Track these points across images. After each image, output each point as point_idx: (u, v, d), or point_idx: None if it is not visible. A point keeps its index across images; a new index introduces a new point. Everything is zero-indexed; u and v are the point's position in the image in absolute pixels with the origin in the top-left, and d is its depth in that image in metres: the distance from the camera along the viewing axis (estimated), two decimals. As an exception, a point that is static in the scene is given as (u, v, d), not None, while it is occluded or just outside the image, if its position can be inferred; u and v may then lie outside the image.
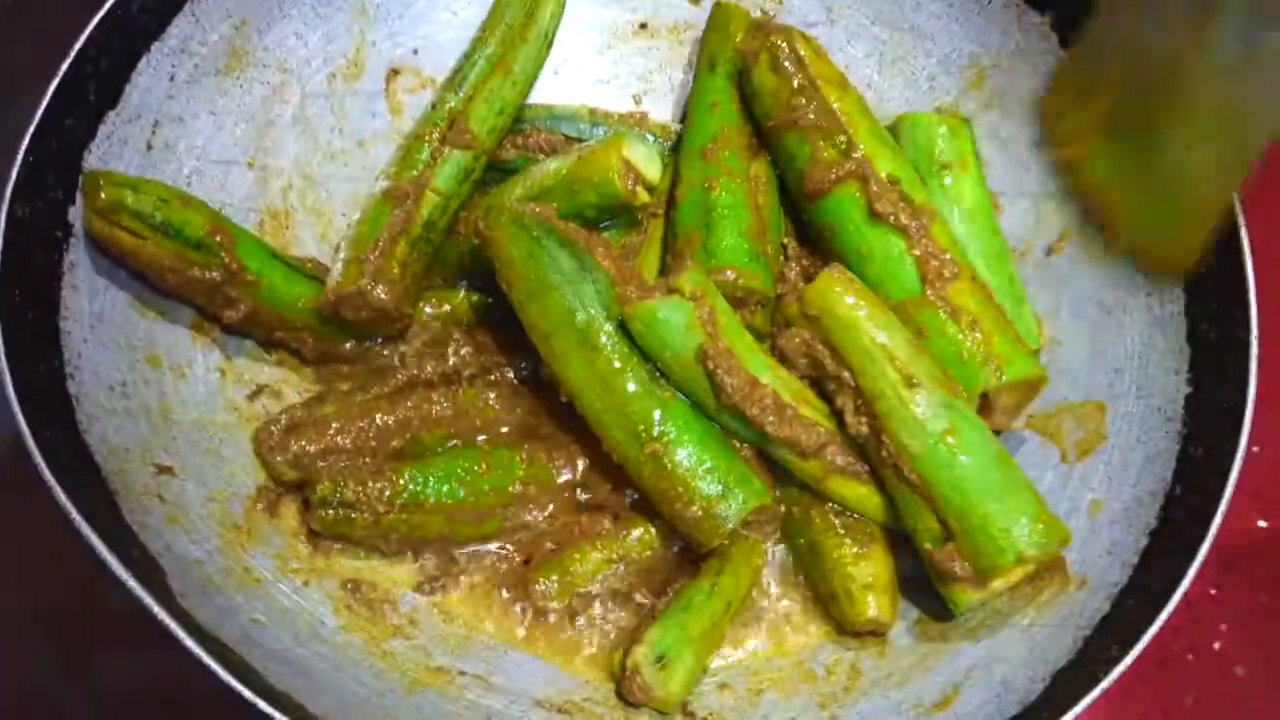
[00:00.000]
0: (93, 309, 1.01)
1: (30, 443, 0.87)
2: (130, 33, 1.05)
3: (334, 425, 1.04)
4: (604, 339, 1.01)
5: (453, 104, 1.15)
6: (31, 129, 0.98)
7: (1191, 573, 0.91)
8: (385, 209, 1.11)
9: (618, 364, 1.01)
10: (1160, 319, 1.06)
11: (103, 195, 0.98)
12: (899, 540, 1.06)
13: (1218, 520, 0.92)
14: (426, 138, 1.14)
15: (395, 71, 1.25)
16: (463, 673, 1.01)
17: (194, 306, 1.06)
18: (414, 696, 0.98)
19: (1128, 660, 0.88)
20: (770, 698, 1.03)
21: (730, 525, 1.00)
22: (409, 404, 1.06)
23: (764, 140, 1.15)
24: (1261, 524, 1.24)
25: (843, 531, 1.04)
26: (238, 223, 1.14)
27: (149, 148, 1.08)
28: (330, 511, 0.99)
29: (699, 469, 1.00)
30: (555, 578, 1.04)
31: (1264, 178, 0.98)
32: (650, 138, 1.22)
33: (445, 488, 1.03)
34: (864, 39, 1.25)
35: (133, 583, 0.84)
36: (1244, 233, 1.01)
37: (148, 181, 1.02)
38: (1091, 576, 0.99)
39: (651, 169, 1.08)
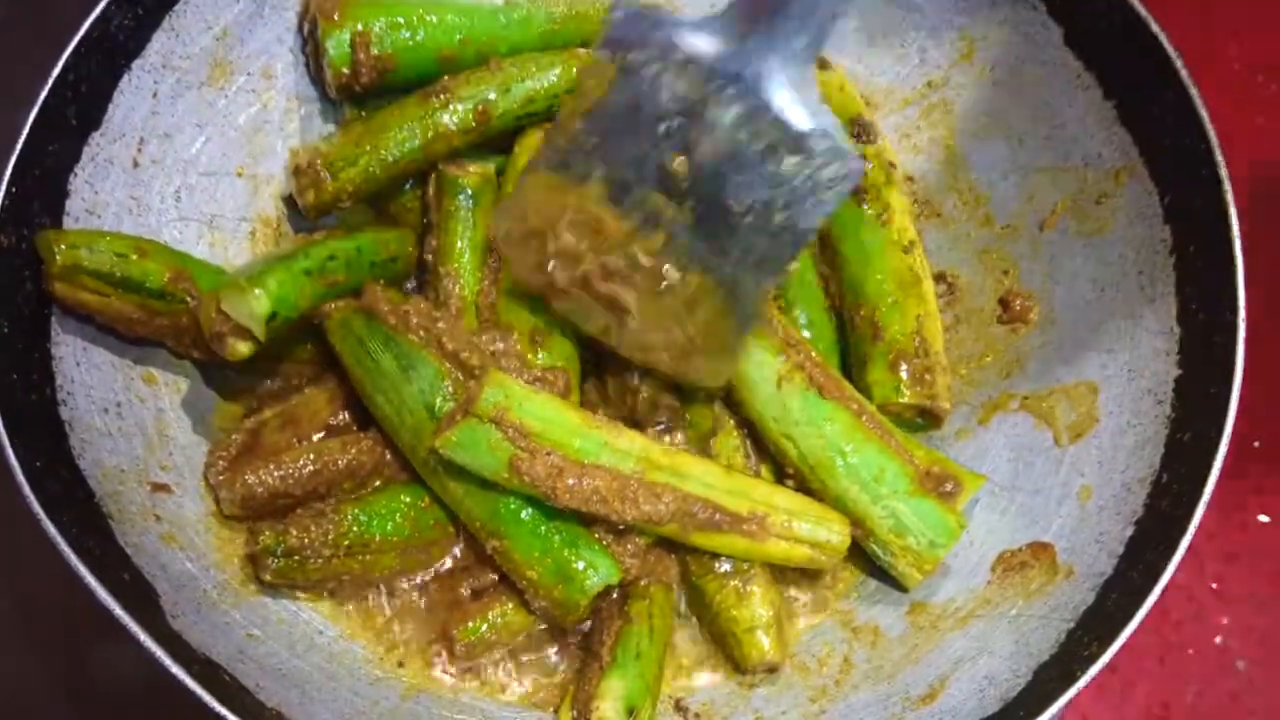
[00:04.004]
0: (84, 333, 1.03)
1: (20, 476, 0.89)
2: (109, 53, 1.06)
3: (284, 467, 1.04)
4: (431, 442, 1.00)
5: None
6: (14, 158, 0.98)
7: (1172, 567, 0.90)
8: None
9: (445, 467, 1.00)
10: (1151, 297, 1.04)
11: (59, 258, 0.97)
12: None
13: (1200, 511, 0.91)
14: None
15: (382, 69, 1.25)
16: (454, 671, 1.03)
17: (164, 348, 1.07)
18: (409, 702, 1.00)
19: (1104, 659, 0.88)
20: (762, 692, 1.04)
21: (579, 611, 1.00)
22: (362, 447, 1.06)
23: None
24: (1263, 518, 1.22)
25: (722, 573, 1.04)
26: (230, 234, 1.16)
27: (135, 165, 1.09)
28: (278, 561, 1.00)
29: (537, 563, 0.99)
30: (476, 639, 1.03)
31: (1254, 158, 0.95)
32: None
33: (389, 525, 1.03)
34: (852, 13, 1.22)
35: (119, 610, 0.86)
36: (1233, 211, 0.98)
37: (102, 235, 1.02)
38: (1079, 566, 0.99)
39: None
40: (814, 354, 1.08)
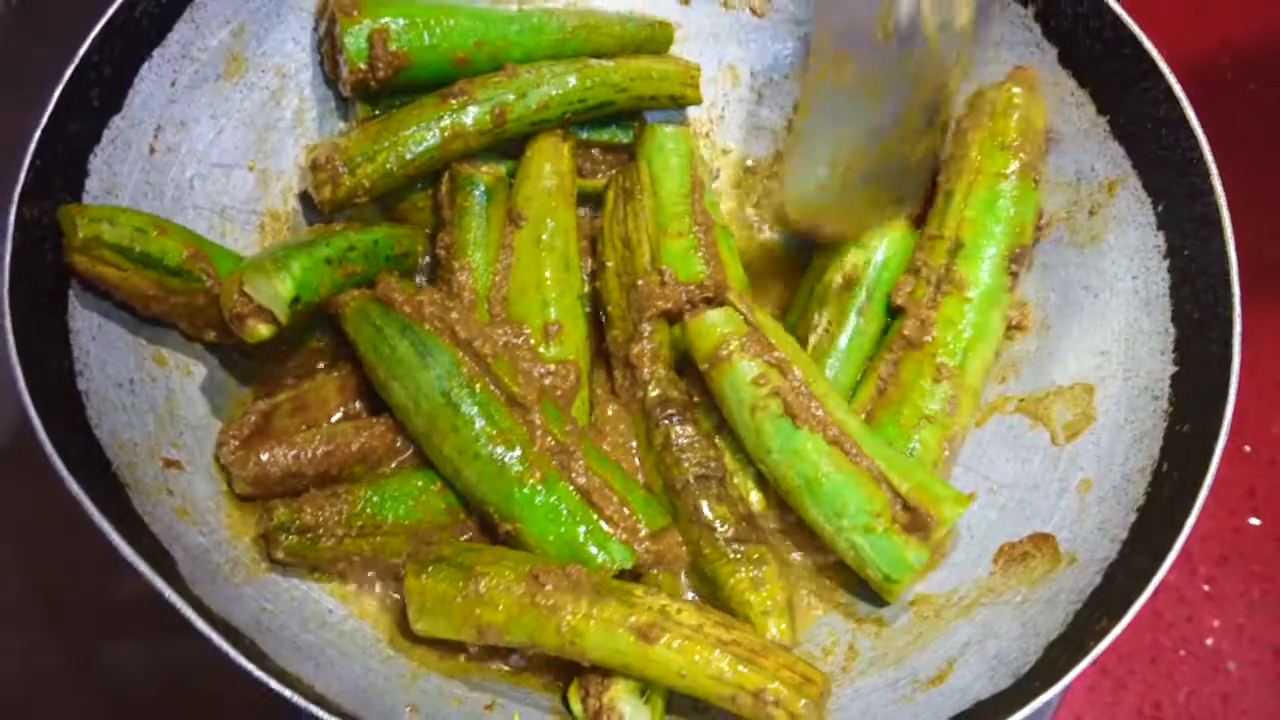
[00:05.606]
0: (101, 309, 1.03)
1: (43, 437, 0.89)
2: (132, 39, 1.07)
3: (297, 448, 1.04)
4: (446, 428, 1.03)
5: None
6: (38, 133, 0.99)
7: (1178, 546, 0.92)
8: None
9: (459, 453, 1.02)
10: (1146, 301, 1.08)
11: (80, 232, 0.98)
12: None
13: (1204, 494, 0.94)
14: None
15: (394, 72, 1.27)
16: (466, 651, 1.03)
17: (177, 329, 1.08)
18: (421, 679, 1.00)
19: (1117, 630, 0.90)
20: (768, 679, 1.04)
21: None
22: (375, 432, 1.07)
23: None
24: (1254, 521, 1.26)
25: (734, 557, 1.05)
26: (240, 226, 1.17)
27: (151, 151, 1.10)
28: (291, 538, 1.00)
29: (551, 548, 1.01)
30: None
31: (1250, 154, 0.99)
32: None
33: (401, 509, 1.04)
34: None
35: (145, 568, 0.86)
36: (1226, 217, 1.02)
37: (123, 211, 1.03)
38: (1081, 553, 1.01)
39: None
40: (797, 373, 1.06)
